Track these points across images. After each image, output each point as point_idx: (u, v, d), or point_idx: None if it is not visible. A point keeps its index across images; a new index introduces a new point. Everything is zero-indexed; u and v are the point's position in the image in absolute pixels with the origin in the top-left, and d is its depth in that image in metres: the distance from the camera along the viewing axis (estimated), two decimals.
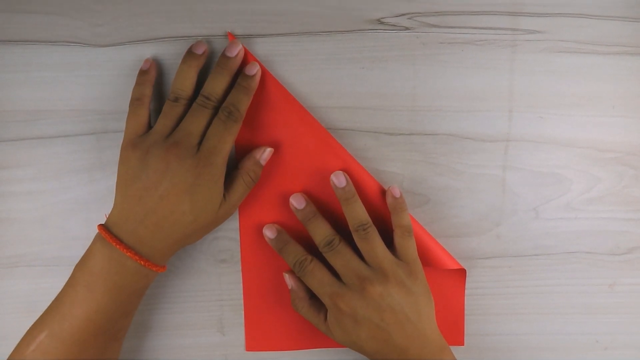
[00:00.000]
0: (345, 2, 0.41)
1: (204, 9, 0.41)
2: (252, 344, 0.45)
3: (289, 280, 0.42)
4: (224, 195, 0.40)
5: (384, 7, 0.41)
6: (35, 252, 0.44)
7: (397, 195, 0.41)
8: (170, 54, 0.42)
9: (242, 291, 0.44)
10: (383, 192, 0.42)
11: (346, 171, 0.42)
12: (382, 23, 0.41)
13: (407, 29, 0.42)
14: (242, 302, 0.44)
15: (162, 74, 0.42)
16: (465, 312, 0.45)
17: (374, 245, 0.40)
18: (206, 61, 0.41)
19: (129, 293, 0.38)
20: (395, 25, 0.42)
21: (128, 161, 0.38)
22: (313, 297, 0.42)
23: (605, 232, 0.44)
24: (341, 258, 0.40)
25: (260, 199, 0.43)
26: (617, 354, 0.45)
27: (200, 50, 0.40)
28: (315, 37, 0.41)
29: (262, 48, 0.41)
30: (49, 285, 0.44)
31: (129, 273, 0.38)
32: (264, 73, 0.41)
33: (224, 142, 0.38)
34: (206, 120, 0.39)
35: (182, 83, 0.39)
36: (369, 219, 0.40)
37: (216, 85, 0.39)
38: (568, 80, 0.42)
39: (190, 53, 0.40)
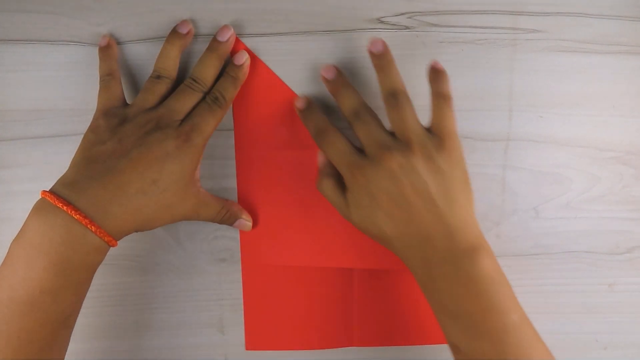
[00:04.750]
0: (345, 2, 0.41)
1: (204, 7, 0.41)
2: (252, 344, 0.45)
3: (320, 155, 0.40)
4: (199, 194, 0.39)
5: (384, 6, 0.41)
6: None
7: (439, 67, 0.38)
8: None
9: (242, 290, 0.44)
10: None
11: None
12: (382, 22, 0.41)
13: (407, 28, 0.42)
14: (242, 301, 0.45)
15: None
16: None
17: (405, 115, 0.36)
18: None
19: (77, 267, 0.33)
20: (395, 25, 0.42)
21: (97, 128, 0.37)
22: (340, 178, 0.39)
23: (605, 231, 0.44)
24: (366, 127, 0.37)
25: (260, 198, 0.43)
26: (617, 353, 0.45)
27: (184, 30, 0.39)
28: (315, 36, 0.41)
29: (262, 47, 0.41)
30: None
31: (78, 243, 0.33)
32: (265, 70, 0.41)
33: (207, 124, 0.37)
34: (192, 102, 0.38)
35: (165, 62, 0.39)
36: (405, 89, 0.37)
37: (205, 69, 0.39)
38: (568, 79, 0.42)
39: (174, 32, 0.40)
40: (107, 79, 0.39)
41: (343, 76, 0.40)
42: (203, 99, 0.39)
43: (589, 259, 0.44)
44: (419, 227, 0.35)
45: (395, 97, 0.36)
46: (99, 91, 0.39)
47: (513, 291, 0.35)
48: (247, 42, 0.41)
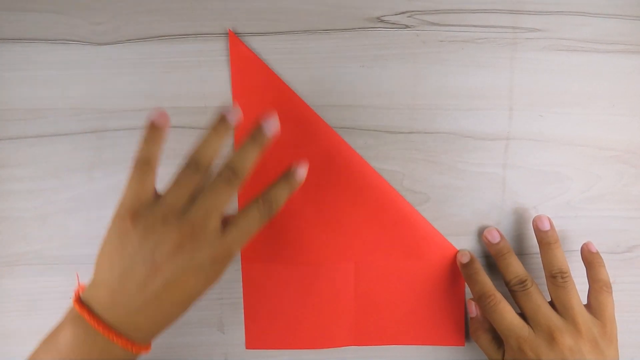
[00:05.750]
0: (345, 0, 0.41)
1: (204, 6, 0.41)
2: (252, 342, 0.45)
3: (474, 308, 0.43)
4: None
5: (384, 5, 0.41)
6: (36, 250, 0.44)
7: (594, 250, 0.41)
8: (170, 52, 0.41)
9: (242, 290, 0.44)
10: (389, 188, 0.42)
11: (351, 168, 0.42)
12: (382, 21, 0.41)
13: (407, 27, 0.42)
14: (242, 300, 0.44)
15: (163, 73, 0.42)
16: (465, 311, 0.45)
17: (571, 297, 0.39)
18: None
19: None
20: (395, 24, 0.42)
21: (126, 235, 0.33)
22: (494, 331, 0.42)
23: (605, 230, 0.44)
24: (532, 301, 0.39)
25: None
26: None
27: (233, 119, 0.36)
28: (315, 35, 0.41)
29: (262, 46, 0.41)
30: (49, 284, 0.44)
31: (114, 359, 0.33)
32: (265, 70, 0.41)
33: (248, 234, 0.35)
34: (229, 198, 0.34)
35: (206, 151, 0.34)
36: (569, 269, 0.40)
37: (246, 159, 0.35)
38: (568, 78, 0.42)
39: (222, 120, 0.35)
40: (143, 167, 0.34)
41: (507, 242, 0.42)
42: (255, 200, 0.36)
43: None
44: None
45: (564, 277, 0.39)
46: (131, 177, 0.34)
47: None
48: (247, 41, 0.41)
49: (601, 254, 0.44)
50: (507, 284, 0.41)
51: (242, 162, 0.35)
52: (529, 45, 0.42)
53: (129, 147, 0.42)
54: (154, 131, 0.35)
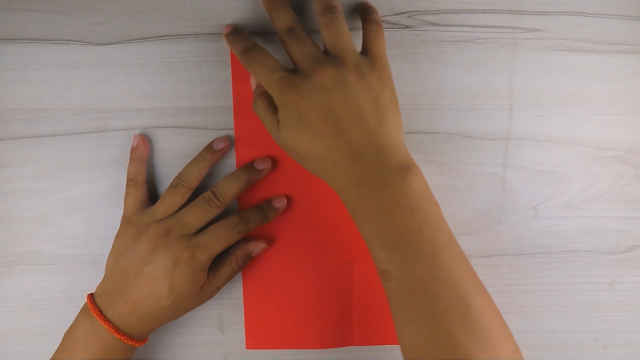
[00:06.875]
0: (345, 1, 0.41)
1: (203, 6, 0.41)
2: (252, 342, 0.45)
3: (252, 78, 0.39)
4: (208, 276, 0.40)
5: (384, 5, 0.41)
6: (35, 250, 0.44)
7: (368, 3, 0.39)
8: (170, 52, 0.41)
9: (242, 289, 0.44)
10: None
11: None
12: (382, 21, 0.41)
13: (407, 27, 0.42)
14: (242, 300, 0.44)
15: (163, 73, 0.42)
16: None
17: (339, 32, 0.36)
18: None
19: None
20: (395, 24, 0.42)
21: (122, 237, 0.40)
22: (271, 97, 0.37)
23: (605, 230, 0.44)
24: (299, 44, 0.36)
25: (260, 197, 0.43)
26: (616, 352, 0.46)
27: (219, 147, 0.41)
28: (315, 35, 0.41)
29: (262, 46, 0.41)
30: (49, 284, 0.44)
31: (107, 345, 0.38)
32: None
33: (218, 245, 0.39)
34: (207, 218, 0.40)
35: (190, 171, 0.40)
36: (339, 7, 0.36)
37: (229, 188, 0.40)
38: (568, 78, 0.42)
39: (209, 147, 0.41)
40: (130, 184, 0.41)
41: None
42: (226, 216, 0.40)
43: (589, 258, 0.44)
44: (349, 143, 0.34)
45: (332, 12, 0.36)
46: (125, 194, 0.41)
47: (441, 210, 0.35)
48: None
49: (601, 254, 0.44)
50: (278, 35, 0.37)
51: (224, 189, 0.40)
52: (529, 45, 0.42)
53: (129, 147, 0.42)
54: (134, 152, 0.42)
